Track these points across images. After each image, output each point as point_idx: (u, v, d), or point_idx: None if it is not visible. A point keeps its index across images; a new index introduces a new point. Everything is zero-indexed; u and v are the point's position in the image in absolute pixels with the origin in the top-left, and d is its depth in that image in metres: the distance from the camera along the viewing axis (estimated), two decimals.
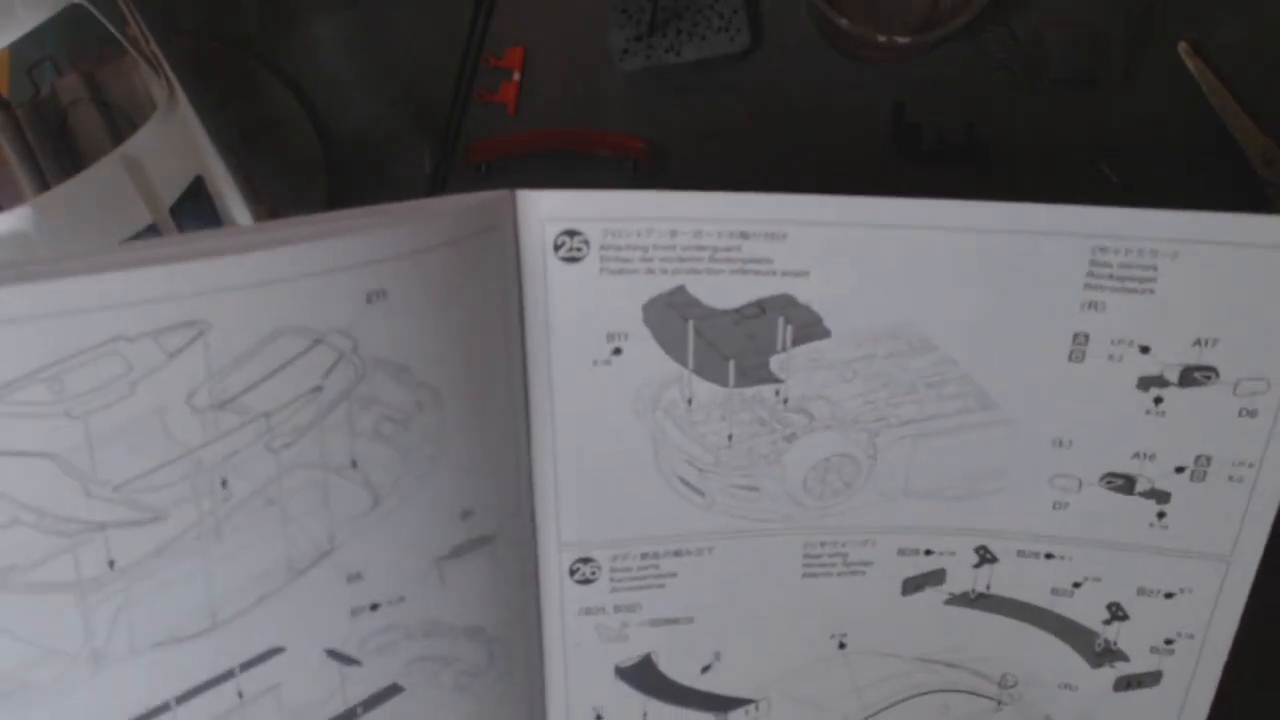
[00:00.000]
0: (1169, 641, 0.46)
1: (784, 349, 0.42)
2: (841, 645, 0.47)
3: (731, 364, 0.42)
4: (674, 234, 0.40)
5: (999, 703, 0.48)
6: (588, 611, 0.45)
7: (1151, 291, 0.40)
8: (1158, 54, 0.57)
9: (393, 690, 0.42)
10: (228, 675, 0.39)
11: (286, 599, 0.39)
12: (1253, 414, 0.42)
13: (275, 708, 0.40)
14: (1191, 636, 0.46)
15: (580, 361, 0.41)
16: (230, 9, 0.58)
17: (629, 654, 0.46)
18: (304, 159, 0.58)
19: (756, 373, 0.42)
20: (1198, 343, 0.41)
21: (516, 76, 0.58)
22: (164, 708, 0.38)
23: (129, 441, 0.36)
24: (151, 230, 0.45)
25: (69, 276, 0.33)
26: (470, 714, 0.44)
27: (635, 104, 0.58)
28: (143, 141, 0.45)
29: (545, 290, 0.40)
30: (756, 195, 0.39)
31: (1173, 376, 0.41)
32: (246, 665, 0.39)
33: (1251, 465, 0.43)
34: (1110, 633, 0.46)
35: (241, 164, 0.47)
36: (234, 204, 0.46)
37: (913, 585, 0.46)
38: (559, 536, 0.44)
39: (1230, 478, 0.43)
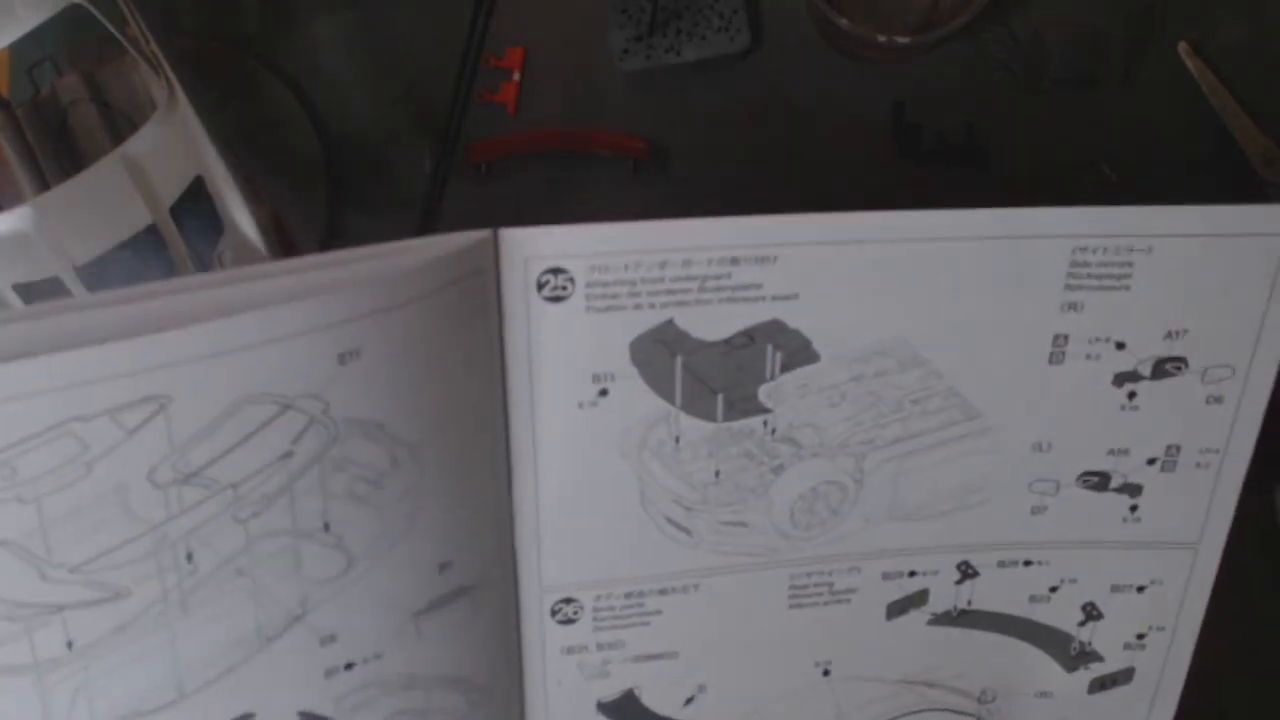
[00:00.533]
0: (1140, 636, 0.47)
1: (772, 377, 0.41)
2: (826, 673, 0.46)
3: (720, 398, 0.41)
4: (663, 265, 0.38)
5: (978, 718, 0.48)
6: (570, 651, 0.44)
7: (1127, 288, 0.40)
8: (1158, 54, 0.57)
9: None
10: None
11: (257, 666, 0.38)
12: (1219, 400, 0.42)
13: None
14: (1162, 628, 0.46)
15: (565, 404, 0.40)
16: (230, 9, 0.58)
17: (611, 689, 0.45)
18: (304, 159, 0.58)
19: (745, 405, 0.41)
20: (1169, 335, 0.41)
21: (516, 76, 0.58)
22: None
23: (87, 521, 0.34)
24: (151, 230, 0.45)
25: (19, 359, 0.31)
26: None
27: (635, 104, 0.58)
28: (143, 141, 0.44)
29: (528, 332, 0.39)
30: (746, 218, 0.38)
31: (1146, 370, 0.42)
32: None
33: (1217, 451, 0.43)
34: (1085, 634, 0.46)
35: (241, 164, 0.47)
36: (234, 204, 0.46)
37: (897, 609, 0.46)
38: (540, 580, 0.43)
39: (1198, 465, 0.43)
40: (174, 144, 0.45)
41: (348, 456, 0.37)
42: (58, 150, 0.50)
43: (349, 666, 0.40)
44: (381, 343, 0.36)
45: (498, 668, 0.44)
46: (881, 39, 0.53)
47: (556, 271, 0.38)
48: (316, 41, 0.58)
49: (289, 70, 0.58)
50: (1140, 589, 0.46)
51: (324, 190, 0.58)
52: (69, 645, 0.36)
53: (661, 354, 0.40)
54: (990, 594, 0.45)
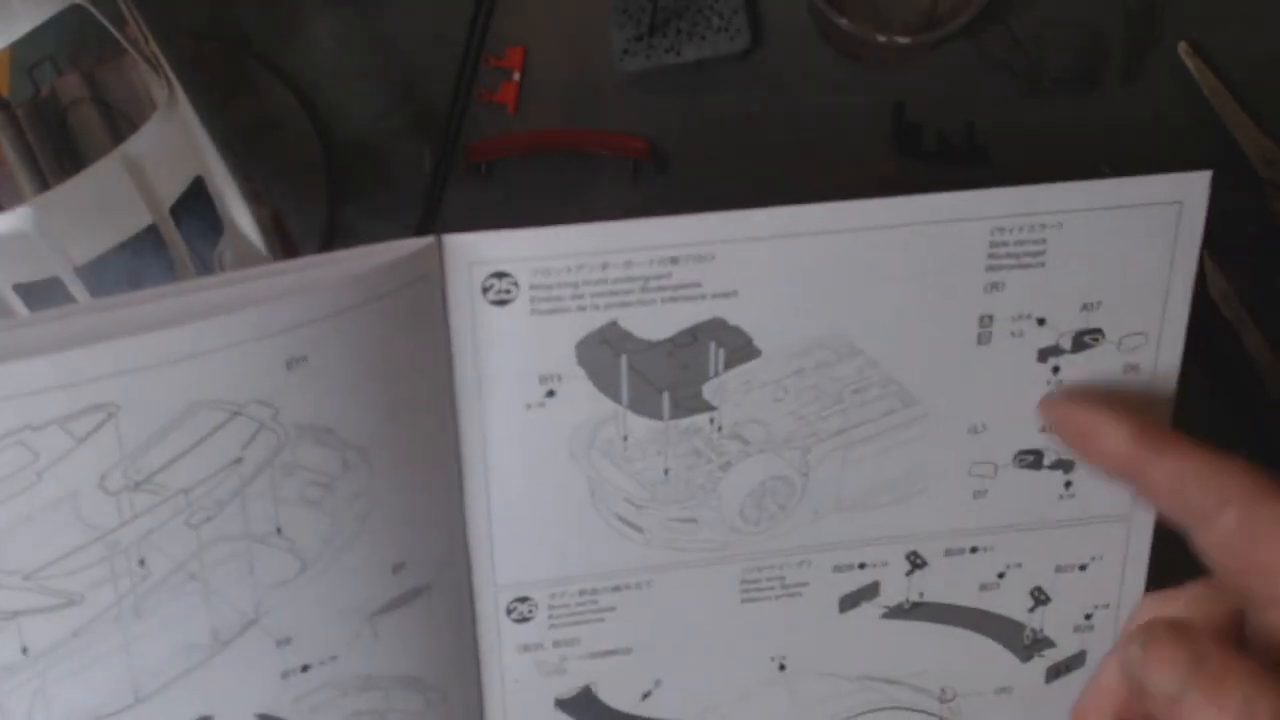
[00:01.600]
0: (1088, 617, 0.47)
1: (716, 374, 0.42)
2: (782, 667, 0.47)
3: (666, 396, 0.42)
4: (605, 266, 0.39)
5: (941, 718, 0.48)
6: (526, 648, 0.45)
7: (1043, 265, 0.41)
8: (1158, 54, 0.57)
9: None
10: None
11: (213, 669, 0.39)
12: (1135, 368, 0.44)
13: None
14: (1107, 606, 0.47)
15: (513, 406, 0.41)
16: (230, 9, 0.58)
17: (568, 686, 0.46)
18: (304, 159, 0.58)
19: (691, 402, 0.42)
20: (1085, 307, 0.42)
21: (516, 76, 0.58)
22: None
23: (39, 529, 0.35)
24: (151, 230, 0.45)
25: None
26: None
27: (635, 104, 0.58)
28: (143, 141, 0.44)
29: (475, 336, 0.40)
30: (683, 217, 0.39)
31: (1066, 344, 0.43)
32: None
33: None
34: (1036, 620, 0.47)
35: (241, 164, 0.47)
36: (234, 204, 0.46)
37: (850, 602, 0.46)
38: (495, 579, 0.43)
39: None
40: (174, 144, 0.45)
41: (298, 461, 0.37)
42: (58, 150, 0.50)
43: (305, 668, 0.40)
44: (328, 348, 0.36)
45: (454, 667, 0.44)
46: (881, 39, 0.53)
47: (501, 275, 0.39)
48: (316, 41, 0.58)
49: (289, 70, 0.58)
50: (1082, 567, 0.46)
51: (324, 190, 0.58)
52: (24, 651, 0.36)
53: (606, 354, 0.40)
54: (940, 585, 0.46)
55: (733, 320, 0.41)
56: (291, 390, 0.36)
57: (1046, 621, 0.47)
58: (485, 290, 0.39)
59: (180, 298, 0.35)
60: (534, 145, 0.58)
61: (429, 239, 0.38)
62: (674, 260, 0.39)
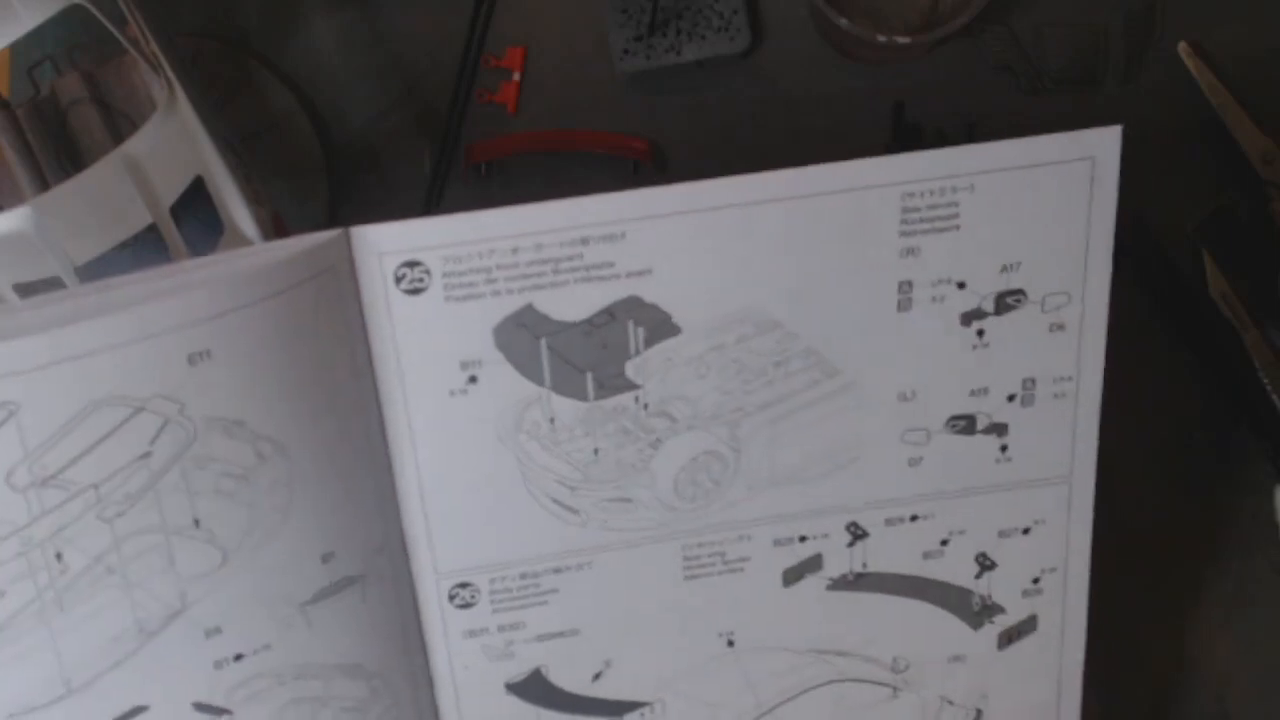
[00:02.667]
0: (1036, 580, 0.47)
1: (638, 352, 0.42)
2: (730, 643, 0.47)
3: (589, 377, 0.42)
4: (515, 250, 0.39)
5: (894, 689, 0.48)
6: (471, 634, 0.45)
7: (957, 228, 0.41)
8: (1158, 54, 0.57)
9: None
10: None
11: (143, 659, 0.39)
12: (1061, 328, 0.44)
13: None
14: (1054, 569, 0.47)
15: (436, 393, 0.41)
16: (230, 9, 0.58)
17: (518, 670, 0.46)
18: (304, 159, 0.58)
19: (614, 381, 0.42)
20: (1004, 269, 0.42)
21: (516, 76, 0.58)
22: None
23: None
24: (151, 230, 0.45)
25: None
26: None
27: (635, 104, 0.58)
28: (143, 141, 0.44)
29: (391, 325, 0.40)
30: (589, 198, 0.40)
31: (989, 306, 0.43)
32: None
33: (1070, 378, 0.44)
34: (983, 586, 0.47)
35: (241, 164, 0.47)
36: (234, 204, 0.46)
37: (793, 575, 0.46)
38: (435, 566, 0.44)
39: (1055, 395, 0.44)
40: (174, 144, 0.45)
41: (210, 454, 0.38)
42: (58, 150, 0.50)
43: (238, 658, 0.41)
44: (232, 343, 0.37)
45: (397, 654, 0.44)
46: (881, 39, 0.53)
47: (412, 265, 0.39)
48: (316, 41, 0.58)
49: (289, 70, 0.58)
50: (1025, 531, 0.46)
51: (324, 190, 0.58)
52: None
53: (525, 337, 0.41)
54: (884, 554, 0.46)
55: (649, 298, 0.41)
56: (197, 384, 0.37)
57: (994, 587, 0.47)
58: (398, 280, 0.39)
59: (81, 299, 0.36)
60: (534, 145, 0.58)
61: (336, 231, 0.39)
62: (584, 241, 0.40)
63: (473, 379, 0.41)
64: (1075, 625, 0.48)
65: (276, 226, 0.48)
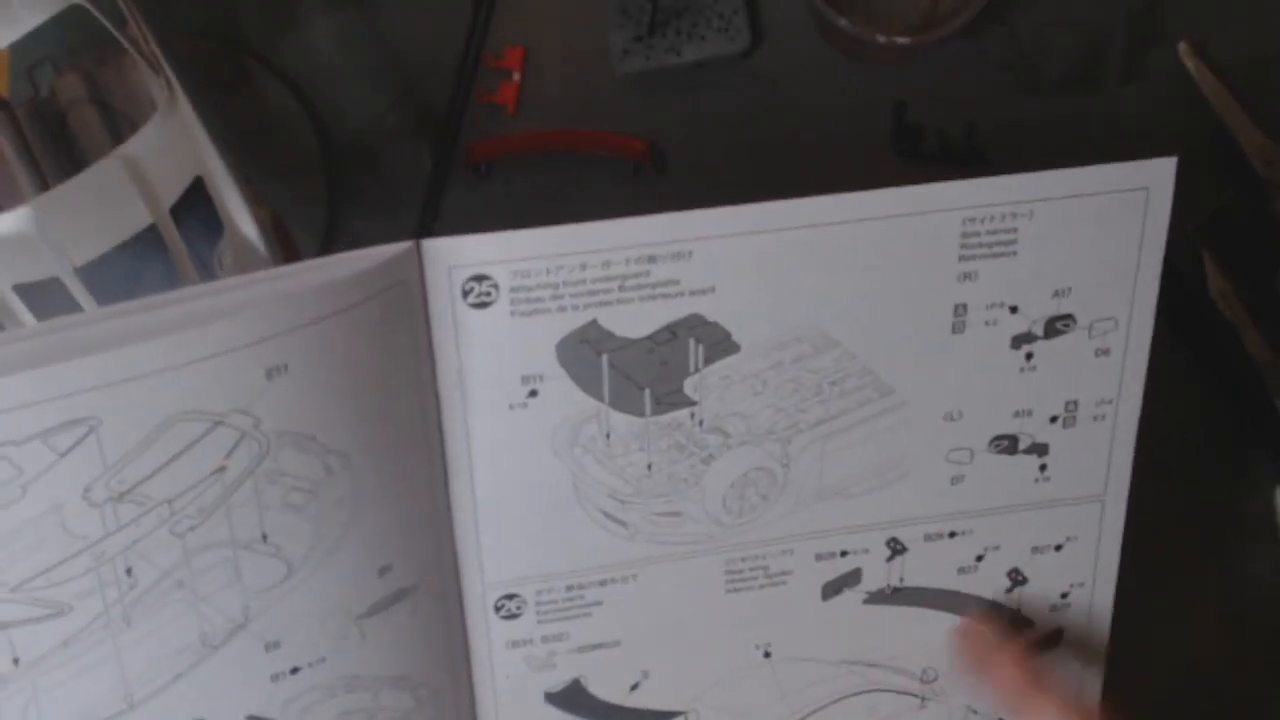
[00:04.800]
0: (1064, 595, 0.48)
1: (696, 370, 0.42)
2: (766, 654, 0.47)
3: (647, 393, 0.42)
4: (583, 267, 0.40)
5: (922, 699, 0.49)
6: (515, 645, 0.45)
7: (1014, 254, 0.42)
8: (1158, 54, 0.57)
9: None
10: None
11: (203, 673, 0.39)
12: (1106, 353, 0.45)
13: None
14: (1082, 585, 0.48)
15: (496, 407, 0.41)
16: (230, 9, 0.58)
17: (558, 680, 0.46)
18: (304, 159, 0.58)
19: (671, 398, 0.42)
20: (1056, 294, 0.43)
21: (516, 76, 0.58)
22: None
23: (25, 542, 0.35)
24: (151, 230, 0.45)
25: None
26: None
27: (635, 104, 0.58)
28: (143, 141, 0.44)
29: (456, 338, 0.40)
30: (659, 216, 0.40)
31: (1039, 330, 0.44)
32: None
33: (1110, 401, 0.45)
34: (1014, 600, 0.48)
35: (241, 164, 0.47)
36: (234, 204, 0.46)
37: (832, 589, 0.47)
38: (483, 577, 0.44)
39: (1095, 417, 0.45)
40: (174, 144, 0.45)
41: (281, 468, 0.38)
42: (58, 150, 0.49)
43: (294, 671, 0.41)
44: (308, 356, 0.37)
45: (443, 665, 0.44)
46: (881, 39, 0.53)
47: (481, 279, 0.39)
48: (316, 41, 0.58)
49: (289, 70, 0.58)
50: (1058, 548, 0.47)
51: (324, 190, 0.58)
52: (15, 662, 0.37)
53: (587, 353, 0.41)
54: (920, 569, 0.47)
55: (711, 316, 0.41)
56: (272, 399, 0.37)
57: (1024, 601, 0.48)
58: (466, 294, 0.39)
59: (159, 310, 0.36)
60: (534, 145, 0.58)
61: (408, 244, 0.38)
62: (651, 259, 0.40)
63: (533, 393, 0.41)
64: (1098, 637, 0.49)
65: (276, 227, 0.48)
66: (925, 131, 0.57)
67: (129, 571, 0.37)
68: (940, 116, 0.57)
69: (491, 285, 0.39)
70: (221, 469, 0.37)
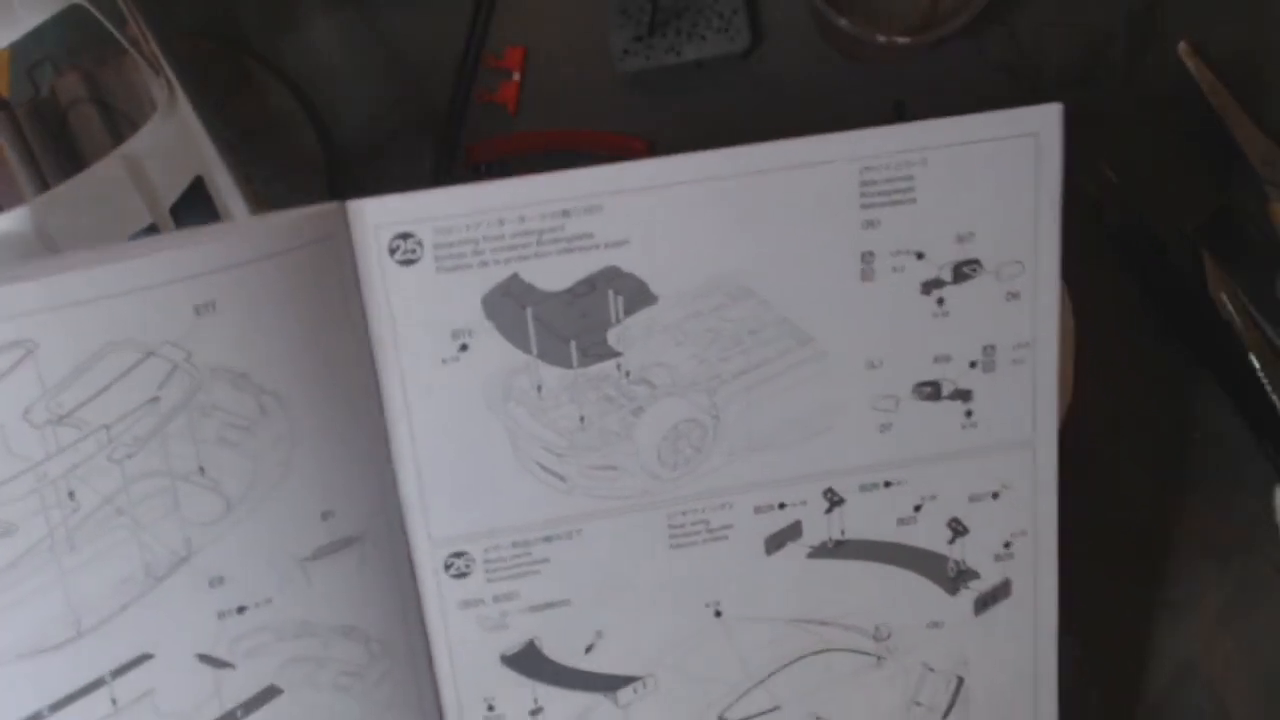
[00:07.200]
0: (1007, 545, 0.49)
1: (618, 321, 0.44)
2: (718, 613, 0.48)
3: (573, 345, 0.44)
4: (501, 222, 0.42)
5: (878, 657, 0.49)
6: (466, 604, 0.46)
7: (914, 200, 0.44)
8: (1158, 54, 0.57)
9: (271, 692, 0.43)
10: (99, 683, 0.40)
11: (149, 605, 0.40)
12: (1016, 296, 0.45)
13: (152, 713, 0.41)
14: (1025, 533, 0.48)
15: (429, 361, 0.43)
16: (230, 9, 0.58)
17: (512, 642, 0.47)
18: (304, 159, 0.58)
19: (597, 349, 0.44)
20: (960, 239, 0.44)
21: (516, 76, 0.58)
22: (36, 716, 0.40)
23: None
24: (151, 230, 0.45)
25: None
26: (354, 714, 0.44)
27: (635, 104, 0.58)
28: (143, 141, 0.45)
29: (386, 294, 0.42)
30: (569, 172, 0.42)
31: (947, 275, 0.45)
32: (117, 672, 0.40)
33: (1027, 345, 0.46)
34: (957, 552, 0.48)
35: (241, 164, 0.47)
36: (234, 204, 0.46)
37: (774, 543, 0.47)
38: (429, 533, 0.45)
39: (1014, 361, 0.46)
40: (174, 144, 0.45)
41: (215, 403, 0.40)
42: (58, 150, 0.49)
43: (241, 610, 0.42)
44: (236, 296, 0.39)
45: (396, 620, 0.45)
46: (881, 39, 0.53)
47: (405, 236, 0.41)
48: (316, 41, 0.58)
49: (289, 70, 0.58)
50: (995, 495, 0.48)
51: (324, 190, 0.58)
52: None
53: (512, 307, 0.43)
54: (860, 521, 0.47)
55: (626, 268, 0.43)
56: (203, 334, 0.39)
57: (968, 552, 0.48)
58: (392, 251, 0.41)
59: (101, 250, 0.38)
60: (534, 145, 0.58)
61: (333, 203, 0.41)
62: (565, 213, 0.42)
63: (464, 347, 0.43)
64: (1047, 589, 0.49)
65: None
66: None
67: (71, 495, 0.39)
68: (940, 117, 0.57)
69: (416, 243, 0.41)
70: (155, 399, 0.39)
